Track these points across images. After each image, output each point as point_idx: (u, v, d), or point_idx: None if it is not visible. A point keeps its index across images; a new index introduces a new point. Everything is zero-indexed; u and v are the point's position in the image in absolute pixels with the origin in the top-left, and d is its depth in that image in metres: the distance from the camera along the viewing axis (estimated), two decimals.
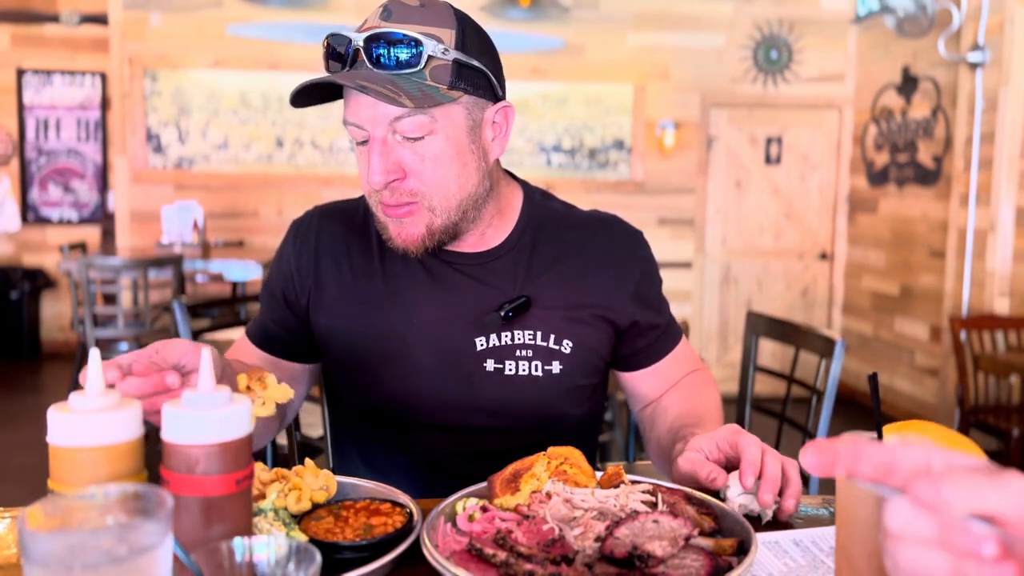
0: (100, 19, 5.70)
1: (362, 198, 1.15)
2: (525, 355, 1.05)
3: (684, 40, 5.22)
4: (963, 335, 3.65)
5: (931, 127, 4.54)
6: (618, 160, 5.29)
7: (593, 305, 1.09)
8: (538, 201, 1.15)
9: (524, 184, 1.16)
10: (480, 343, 1.05)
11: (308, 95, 0.97)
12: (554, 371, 1.06)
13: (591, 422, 1.17)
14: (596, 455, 1.23)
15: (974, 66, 4.10)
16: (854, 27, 5.17)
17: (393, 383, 1.07)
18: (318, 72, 0.98)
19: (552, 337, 1.06)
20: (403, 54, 0.93)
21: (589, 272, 1.10)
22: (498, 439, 1.07)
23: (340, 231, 1.13)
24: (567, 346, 1.06)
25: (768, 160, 5.33)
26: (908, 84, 4.74)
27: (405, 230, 1.00)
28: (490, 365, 1.05)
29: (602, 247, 1.12)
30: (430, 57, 0.94)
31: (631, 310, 1.11)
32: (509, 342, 1.05)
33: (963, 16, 4.17)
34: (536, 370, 1.05)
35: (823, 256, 5.41)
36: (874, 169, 5.08)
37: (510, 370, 1.05)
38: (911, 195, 4.72)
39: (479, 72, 0.99)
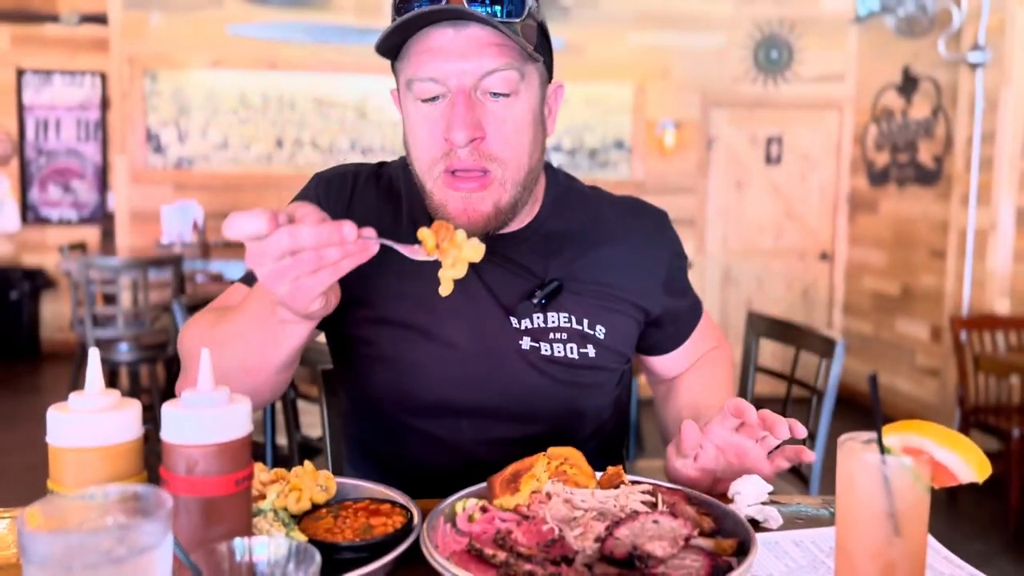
0: (100, 19, 5.70)
1: (378, 165, 1.09)
2: (560, 337, 1.01)
3: (684, 40, 5.22)
4: (963, 335, 3.65)
5: (932, 127, 4.54)
6: (618, 160, 5.29)
7: (625, 293, 1.05)
8: (562, 181, 1.12)
9: (547, 164, 1.11)
10: (514, 322, 1.00)
11: (391, 38, 0.91)
12: (590, 354, 1.01)
13: (615, 414, 1.12)
14: (624, 452, 1.20)
15: (974, 66, 4.10)
16: (854, 27, 5.17)
17: (422, 361, 1.00)
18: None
19: (585, 321, 1.02)
20: (509, 2, 0.89)
21: (618, 258, 1.06)
22: (521, 428, 1.01)
23: (373, 200, 1.05)
24: (600, 332, 1.02)
25: (768, 160, 5.33)
26: (908, 84, 4.73)
27: (472, 206, 0.92)
28: (526, 343, 1.00)
29: (631, 232, 1.09)
30: (528, 11, 0.91)
31: (662, 300, 1.08)
32: (543, 324, 1.00)
33: (963, 16, 4.17)
34: (572, 352, 1.01)
35: (823, 256, 5.41)
36: (875, 169, 5.07)
37: (546, 351, 1.00)
38: (912, 195, 4.72)
39: (549, 42, 0.97)
